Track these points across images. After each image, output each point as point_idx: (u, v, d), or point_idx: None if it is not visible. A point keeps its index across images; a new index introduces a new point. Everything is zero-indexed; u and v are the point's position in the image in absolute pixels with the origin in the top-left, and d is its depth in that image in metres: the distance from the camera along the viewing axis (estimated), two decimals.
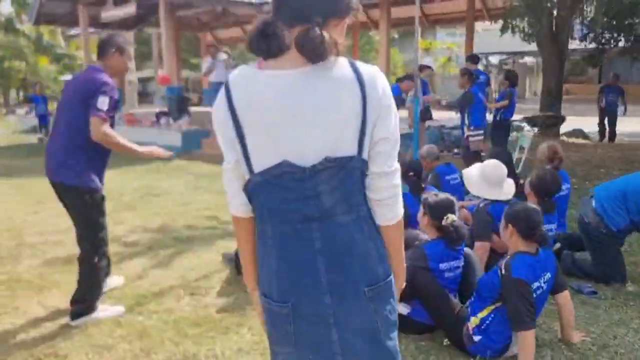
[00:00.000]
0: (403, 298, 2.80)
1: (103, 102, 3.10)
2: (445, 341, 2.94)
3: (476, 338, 2.73)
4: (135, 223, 5.60)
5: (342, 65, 1.35)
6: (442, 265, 2.96)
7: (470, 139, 6.96)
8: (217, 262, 4.30)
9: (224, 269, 4.15)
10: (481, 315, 2.73)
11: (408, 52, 29.45)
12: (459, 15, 13.93)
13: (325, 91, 1.32)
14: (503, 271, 2.60)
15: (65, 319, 3.29)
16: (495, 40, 26.70)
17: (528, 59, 26.76)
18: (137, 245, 4.83)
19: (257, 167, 1.38)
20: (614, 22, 10.36)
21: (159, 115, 11.36)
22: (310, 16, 1.31)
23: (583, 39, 11.60)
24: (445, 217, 2.96)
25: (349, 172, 1.35)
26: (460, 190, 4.79)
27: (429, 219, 3.00)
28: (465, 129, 7.10)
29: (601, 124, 11.97)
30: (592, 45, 11.56)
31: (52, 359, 2.90)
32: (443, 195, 3.09)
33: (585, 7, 11.44)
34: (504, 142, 7.69)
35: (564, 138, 11.40)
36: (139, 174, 8.51)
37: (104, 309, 3.38)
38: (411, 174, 4.30)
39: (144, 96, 29.09)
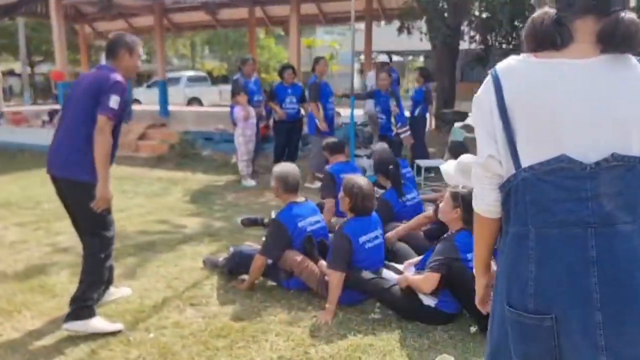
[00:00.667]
0: (433, 291, 2.90)
1: (115, 102, 2.98)
2: (472, 328, 3.07)
3: None
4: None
5: (631, 58, 1.27)
6: (470, 255, 3.08)
7: (401, 135, 7.21)
8: (197, 268, 4.06)
9: (209, 275, 3.93)
10: None
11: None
12: (357, 14, 14.35)
13: (622, 83, 1.25)
14: None
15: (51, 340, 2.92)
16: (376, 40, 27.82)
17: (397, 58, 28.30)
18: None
19: (526, 161, 1.29)
20: (500, 25, 11.34)
21: (52, 114, 10.32)
22: (608, 5, 1.25)
23: (472, 40, 12.58)
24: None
25: (636, 175, 1.24)
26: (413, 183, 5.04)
27: (462, 212, 3.10)
28: (393, 126, 7.31)
29: None
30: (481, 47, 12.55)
31: None
32: (470, 189, 3.22)
33: (473, 10, 12.46)
34: (423, 136, 8.12)
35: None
36: (44, 178, 7.69)
37: (102, 321, 3.07)
38: (391, 167, 4.41)
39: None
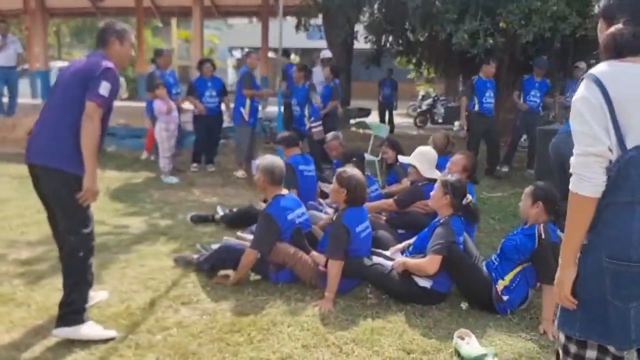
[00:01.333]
0: (432, 274, 3.13)
1: (105, 88, 2.80)
2: (463, 305, 3.34)
3: (505, 297, 3.20)
4: (4, 237, 4.54)
5: None
6: (461, 239, 3.34)
7: (313, 130, 7.36)
8: (168, 267, 3.88)
9: (184, 273, 3.78)
10: (509, 277, 3.21)
11: (168, 42, 28.60)
12: (253, 9, 14.35)
13: None
14: (542, 236, 3.10)
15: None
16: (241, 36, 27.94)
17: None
18: (46, 261, 3.98)
19: (631, 144, 1.59)
20: (391, 27, 12.01)
21: None
22: None
23: (367, 41, 13.16)
24: (465, 198, 3.35)
25: None
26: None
27: (451, 198, 3.33)
28: (306, 121, 7.40)
29: (382, 115, 13.73)
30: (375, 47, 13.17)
31: None
32: (457, 177, 3.46)
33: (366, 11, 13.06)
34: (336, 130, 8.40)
35: (354, 129, 12.86)
36: None
37: (95, 327, 2.86)
38: (354, 159, 4.58)
39: None
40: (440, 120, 15.57)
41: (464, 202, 3.36)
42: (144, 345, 2.79)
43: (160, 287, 3.53)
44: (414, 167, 4.39)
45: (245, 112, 7.12)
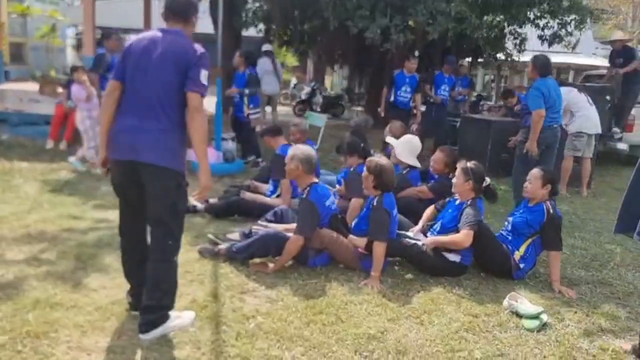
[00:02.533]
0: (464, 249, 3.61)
1: (205, 77, 2.71)
2: (482, 274, 3.86)
3: (521, 265, 3.78)
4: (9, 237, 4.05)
5: None
6: (483, 218, 3.84)
7: (251, 117, 7.47)
8: (195, 259, 3.80)
9: (216, 264, 3.75)
10: (523, 248, 3.79)
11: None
12: None
13: None
14: (551, 211, 3.71)
15: None
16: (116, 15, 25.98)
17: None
18: (61, 258, 3.67)
19: None
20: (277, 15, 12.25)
21: None
22: None
23: (259, 30, 13.25)
24: (484, 180, 3.85)
25: None
26: None
27: (473, 183, 3.80)
28: (245, 108, 7.49)
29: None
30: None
31: None
32: (476, 163, 3.93)
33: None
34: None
35: None
36: None
37: (177, 316, 2.86)
38: (362, 145, 4.88)
39: None
40: (318, 110, 16.23)
41: (484, 184, 3.86)
42: (246, 334, 2.83)
43: (204, 280, 3.50)
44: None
45: None
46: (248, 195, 4.96)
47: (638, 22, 20.60)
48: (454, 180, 3.94)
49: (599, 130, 6.93)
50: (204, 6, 13.81)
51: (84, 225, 4.47)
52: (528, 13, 10.44)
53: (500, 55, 11.85)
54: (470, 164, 3.89)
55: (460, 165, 3.95)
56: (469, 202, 3.79)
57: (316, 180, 3.87)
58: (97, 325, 2.84)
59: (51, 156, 7.21)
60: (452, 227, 3.80)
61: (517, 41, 11.67)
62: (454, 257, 3.75)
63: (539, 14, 10.62)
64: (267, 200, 4.86)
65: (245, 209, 4.80)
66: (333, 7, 9.22)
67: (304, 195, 3.75)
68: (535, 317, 3.13)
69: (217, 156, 6.94)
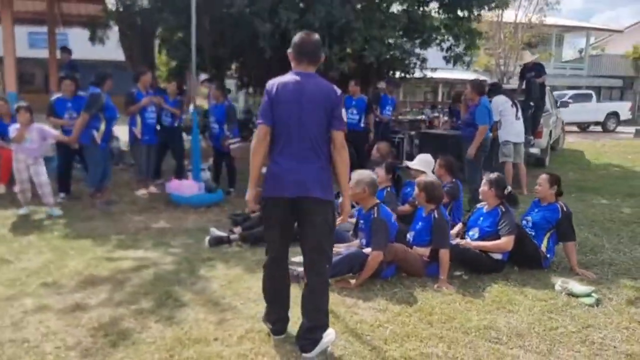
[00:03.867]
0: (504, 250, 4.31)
1: (344, 114, 3.07)
2: (515, 268, 4.57)
3: (548, 255, 4.56)
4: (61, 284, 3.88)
5: None
6: None
7: (232, 146, 7.62)
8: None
9: (294, 293, 4.04)
10: (545, 241, 4.57)
11: None
12: (38, 17, 12.70)
13: None
14: (564, 209, 4.53)
15: None
16: None
17: None
18: (139, 304, 3.70)
19: None
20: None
21: None
22: None
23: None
24: (505, 189, 4.57)
25: None
26: None
27: (495, 190, 4.50)
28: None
29: None
30: None
31: None
32: (498, 174, 4.64)
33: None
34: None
35: None
36: None
37: (327, 333, 3.13)
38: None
39: None
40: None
41: (505, 192, 4.57)
42: (392, 339, 3.21)
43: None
44: (423, 172, 5.39)
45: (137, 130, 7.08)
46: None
47: (502, 45, 23.67)
48: (480, 190, 4.63)
49: (522, 139, 8.09)
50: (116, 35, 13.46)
51: (129, 264, 4.47)
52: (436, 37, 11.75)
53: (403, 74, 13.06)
54: (492, 176, 4.61)
55: (485, 177, 4.65)
56: (503, 210, 4.48)
57: (378, 201, 4.32)
58: (259, 351, 3.04)
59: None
60: (490, 231, 4.45)
61: (418, 61, 12.96)
62: (498, 256, 4.41)
63: (444, 38, 11.98)
64: None
65: None
66: (270, 38, 9.61)
67: (375, 215, 4.18)
68: (589, 294, 3.88)
69: (198, 187, 7.00)
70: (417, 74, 12.76)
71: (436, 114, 14.22)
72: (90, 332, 3.25)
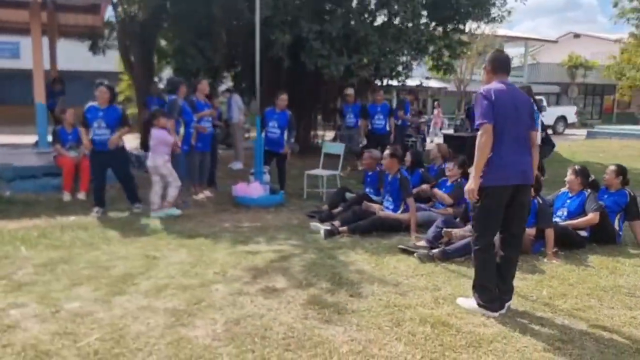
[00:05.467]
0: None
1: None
2: (594, 244, 5.43)
3: (620, 233, 5.46)
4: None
5: None
6: None
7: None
8: (410, 261, 4.69)
9: (430, 267, 4.70)
10: (617, 220, 5.47)
11: None
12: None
13: None
14: (632, 193, 5.44)
15: None
16: None
17: None
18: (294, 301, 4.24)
19: None
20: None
21: None
22: None
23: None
24: (589, 177, 5.43)
25: None
26: None
27: (581, 178, 5.36)
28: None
29: None
30: None
31: None
32: (583, 165, 5.49)
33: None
34: None
35: None
36: None
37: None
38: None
39: None
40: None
41: (589, 180, 5.45)
42: (557, 294, 3.93)
43: (439, 285, 4.44)
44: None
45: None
46: (383, 214, 5.86)
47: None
48: (567, 179, 5.48)
49: None
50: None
51: (272, 256, 4.95)
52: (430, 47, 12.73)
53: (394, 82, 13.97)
54: (577, 167, 5.47)
55: (570, 168, 5.51)
56: (588, 193, 5.34)
57: None
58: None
59: (77, 208, 6.95)
60: (578, 212, 5.30)
61: (406, 70, 13.91)
62: (584, 234, 5.27)
63: (437, 48, 12.98)
64: (399, 216, 5.82)
65: (385, 226, 5.71)
66: (287, 48, 10.23)
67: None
68: None
69: (263, 189, 7.48)
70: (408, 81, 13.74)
71: (422, 120, 15.20)
72: (305, 307, 3.75)
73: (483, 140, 3.47)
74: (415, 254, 4.82)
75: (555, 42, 38.08)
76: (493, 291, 3.63)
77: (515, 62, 43.64)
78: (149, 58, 13.57)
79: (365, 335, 3.31)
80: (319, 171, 8.26)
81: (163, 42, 14.13)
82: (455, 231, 5.07)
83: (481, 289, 3.65)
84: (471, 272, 3.88)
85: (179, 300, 3.84)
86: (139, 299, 3.88)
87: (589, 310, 3.77)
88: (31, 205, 7.01)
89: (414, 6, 10.23)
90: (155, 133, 6.47)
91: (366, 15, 10.66)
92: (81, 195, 7.45)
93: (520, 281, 4.28)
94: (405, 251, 5.00)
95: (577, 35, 42.14)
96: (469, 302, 3.73)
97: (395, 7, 10.65)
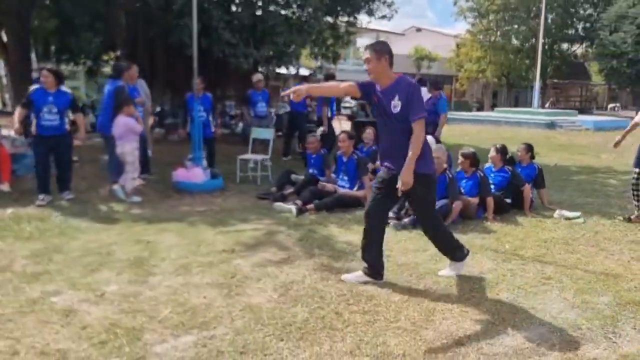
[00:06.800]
0: None
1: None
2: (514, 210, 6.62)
3: (532, 200, 6.70)
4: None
5: None
6: None
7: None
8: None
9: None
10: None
11: None
12: None
13: None
14: (539, 167, 6.69)
15: None
16: None
17: None
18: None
19: None
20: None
21: None
22: None
23: None
24: (507, 154, 6.56)
25: None
26: None
27: (501, 156, 6.48)
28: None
29: None
30: None
31: None
32: None
33: None
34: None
35: None
36: None
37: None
38: None
39: None
40: None
41: (507, 157, 6.57)
42: (518, 244, 4.89)
43: None
44: None
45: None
46: (343, 192, 6.44)
47: None
48: (490, 155, 6.56)
49: None
50: None
51: (261, 232, 5.32)
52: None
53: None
54: (498, 145, 6.58)
55: (493, 147, 6.59)
56: (510, 170, 6.47)
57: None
58: None
59: (7, 200, 6.53)
60: (502, 186, 6.41)
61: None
62: (508, 201, 6.39)
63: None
64: (357, 193, 6.45)
65: (347, 202, 6.32)
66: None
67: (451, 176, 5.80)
68: (579, 217, 6.08)
69: (205, 174, 7.62)
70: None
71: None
72: (330, 271, 4.22)
73: (423, 133, 3.70)
74: (391, 224, 5.50)
75: (402, 35, 41.39)
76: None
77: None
78: (25, 38, 12.43)
79: (401, 288, 3.91)
80: (250, 155, 8.55)
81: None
82: None
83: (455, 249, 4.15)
84: None
85: (213, 276, 4.07)
86: (172, 278, 4.03)
87: (546, 256, 4.78)
88: None
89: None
90: (123, 120, 6.40)
91: (274, 7, 11.01)
92: (4, 187, 6.89)
93: (484, 240, 5.20)
94: None
95: (419, 29, 46.31)
96: (453, 268, 4.19)
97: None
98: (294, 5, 11.15)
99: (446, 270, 4.19)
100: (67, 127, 6.49)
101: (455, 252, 4.12)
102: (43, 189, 6.32)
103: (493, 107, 35.81)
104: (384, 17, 13.19)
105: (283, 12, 11.65)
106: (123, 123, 6.46)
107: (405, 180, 3.63)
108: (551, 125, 20.94)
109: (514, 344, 3.09)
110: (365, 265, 4.00)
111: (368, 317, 3.40)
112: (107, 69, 15.37)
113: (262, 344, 3.02)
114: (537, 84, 25.99)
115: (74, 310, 3.40)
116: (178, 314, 3.38)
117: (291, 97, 3.83)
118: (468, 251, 4.19)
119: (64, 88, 6.48)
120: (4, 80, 30.13)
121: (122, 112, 6.43)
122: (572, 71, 41.03)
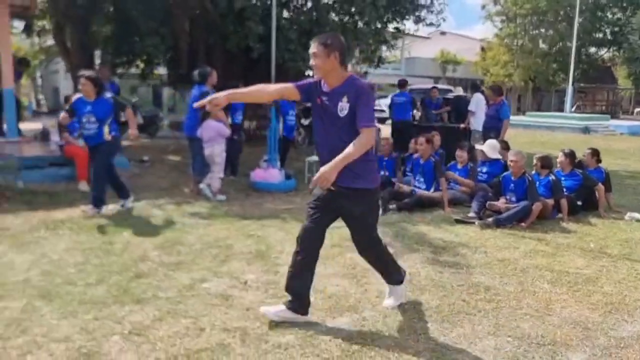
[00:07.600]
0: None
1: None
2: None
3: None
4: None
5: None
6: None
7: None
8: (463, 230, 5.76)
9: (495, 233, 5.81)
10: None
11: None
12: None
13: None
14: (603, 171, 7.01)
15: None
16: None
17: None
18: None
19: None
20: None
21: None
22: None
23: None
24: (576, 158, 6.89)
25: None
26: None
27: (570, 159, 6.80)
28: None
29: None
30: None
31: None
32: None
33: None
34: None
35: None
36: None
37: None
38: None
39: None
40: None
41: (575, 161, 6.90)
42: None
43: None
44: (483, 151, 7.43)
45: None
46: (421, 192, 6.83)
47: None
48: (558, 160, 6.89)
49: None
50: None
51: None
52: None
53: None
54: (567, 150, 6.90)
55: (561, 151, 6.92)
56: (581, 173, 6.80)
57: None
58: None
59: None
60: (575, 188, 6.74)
61: None
62: (579, 202, 6.72)
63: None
64: (433, 194, 6.82)
65: (425, 203, 6.69)
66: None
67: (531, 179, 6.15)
68: None
69: (280, 175, 8.04)
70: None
71: None
72: (439, 264, 4.60)
73: (372, 143, 3.26)
74: (476, 223, 5.87)
75: (428, 38, 41.61)
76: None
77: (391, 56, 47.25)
78: (86, 43, 13.00)
79: (510, 280, 4.28)
80: (317, 158, 8.92)
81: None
82: (497, 203, 6.22)
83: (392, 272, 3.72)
84: (524, 233, 5.28)
85: (335, 267, 4.47)
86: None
87: (633, 255, 5.11)
88: (55, 196, 6.85)
89: (377, 7, 11.23)
90: (213, 124, 6.84)
91: (333, 14, 11.43)
92: (83, 186, 7.31)
93: (567, 239, 5.54)
94: (459, 222, 6.02)
95: (443, 33, 46.46)
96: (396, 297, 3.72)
97: (353, 8, 11.59)
98: (355, 15, 11.55)
99: (390, 300, 3.71)
100: (108, 136, 6.08)
101: (392, 274, 3.67)
102: (122, 195, 6.41)
103: (518, 110, 35.92)
104: (431, 24, 13.52)
105: (336, 18, 12.04)
106: (213, 127, 6.88)
107: (324, 175, 3.05)
108: (585, 130, 21.11)
109: (636, 330, 3.44)
110: (290, 298, 3.38)
111: (493, 305, 3.77)
112: (158, 72, 16.01)
113: (409, 324, 3.41)
114: (570, 88, 26.03)
115: (230, 296, 3.81)
116: (323, 300, 3.77)
117: (207, 107, 3.37)
118: (405, 272, 3.76)
119: (107, 95, 6.24)
120: (39, 81, 31.21)
121: (211, 116, 6.83)
122: (598, 75, 40.94)
